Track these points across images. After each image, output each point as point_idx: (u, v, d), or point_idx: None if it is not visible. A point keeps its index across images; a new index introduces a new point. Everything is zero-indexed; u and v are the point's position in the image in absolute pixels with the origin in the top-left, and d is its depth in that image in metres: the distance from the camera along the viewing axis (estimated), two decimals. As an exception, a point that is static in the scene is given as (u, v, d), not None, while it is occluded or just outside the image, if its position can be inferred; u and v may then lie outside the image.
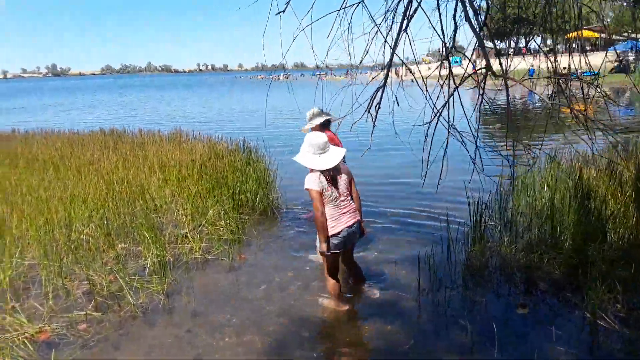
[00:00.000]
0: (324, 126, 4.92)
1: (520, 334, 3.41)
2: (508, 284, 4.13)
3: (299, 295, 4.21)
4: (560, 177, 5.45)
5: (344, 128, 3.56)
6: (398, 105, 3.26)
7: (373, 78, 3.43)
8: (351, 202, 3.84)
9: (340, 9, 2.83)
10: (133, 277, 4.34)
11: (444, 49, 2.91)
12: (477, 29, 2.67)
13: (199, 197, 6.06)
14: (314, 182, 3.61)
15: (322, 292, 4.11)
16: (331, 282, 3.91)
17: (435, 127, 2.92)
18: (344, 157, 3.80)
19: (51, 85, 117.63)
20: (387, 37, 3.00)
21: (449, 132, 2.86)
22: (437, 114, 2.84)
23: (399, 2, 2.76)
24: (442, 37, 2.85)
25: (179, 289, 4.30)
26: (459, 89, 2.90)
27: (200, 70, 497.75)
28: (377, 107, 3.09)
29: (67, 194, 6.06)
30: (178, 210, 5.99)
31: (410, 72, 3.08)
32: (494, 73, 2.58)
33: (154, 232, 4.96)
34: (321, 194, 3.61)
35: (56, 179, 6.95)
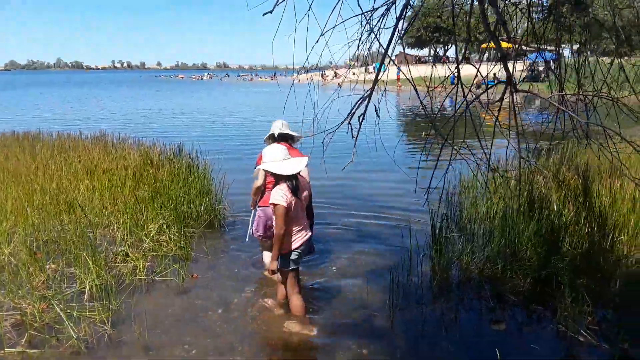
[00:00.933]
0: (283, 139, 4.69)
1: (501, 351, 3.36)
2: (478, 298, 4.09)
3: (261, 318, 3.88)
4: (507, 184, 5.55)
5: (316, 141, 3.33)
6: (378, 116, 3.11)
7: (298, 80, 3.29)
8: (305, 216, 3.69)
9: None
10: (70, 305, 3.78)
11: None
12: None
13: (137, 208, 5.51)
14: (281, 198, 3.37)
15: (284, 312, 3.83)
16: (294, 302, 3.67)
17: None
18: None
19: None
20: (369, 37, 2.82)
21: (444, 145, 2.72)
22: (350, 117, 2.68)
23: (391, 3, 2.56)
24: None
25: (125, 318, 3.79)
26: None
27: (115, 67, 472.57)
28: (360, 119, 2.88)
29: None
30: (113, 224, 5.40)
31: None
32: (516, 89, 2.47)
33: (89, 250, 4.40)
34: (288, 210, 3.38)
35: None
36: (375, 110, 3.04)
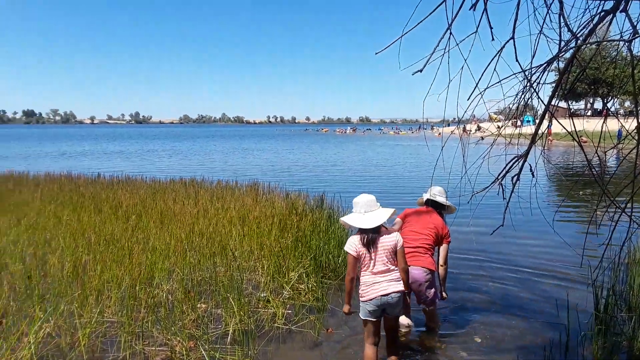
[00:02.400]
0: (433, 206, 4.64)
1: None
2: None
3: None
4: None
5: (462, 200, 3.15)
6: (534, 176, 2.83)
7: (439, 133, 3.12)
8: (392, 270, 3.55)
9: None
10: (214, 346, 3.99)
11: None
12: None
13: (280, 255, 5.74)
14: (350, 246, 3.56)
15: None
16: (365, 352, 3.64)
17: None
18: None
19: (134, 131, 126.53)
20: (530, 91, 2.61)
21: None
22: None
23: (555, 56, 2.35)
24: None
25: (262, 365, 3.88)
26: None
27: (270, 122, 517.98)
28: (514, 179, 2.64)
29: (149, 246, 5.95)
30: (258, 269, 5.68)
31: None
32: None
33: (236, 293, 4.65)
34: (357, 259, 3.54)
35: (138, 228, 6.92)
36: (531, 170, 2.78)
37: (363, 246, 3.51)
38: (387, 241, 3.55)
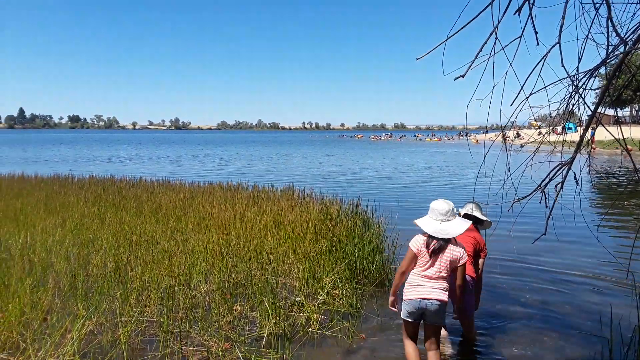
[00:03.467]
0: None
1: None
2: None
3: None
4: None
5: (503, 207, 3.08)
6: (578, 185, 2.73)
7: (477, 140, 3.07)
8: (442, 279, 3.54)
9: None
10: (249, 348, 4.03)
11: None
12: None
13: (315, 260, 5.75)
14: (414, 242, 3.63)
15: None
16: (407, 348, 3.70)
17: None
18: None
19: (176, 137, 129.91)
20: (572, 98, 2.53)
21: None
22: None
23: (600, 65, 2.28)
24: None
25: (296, 369, 3.90)
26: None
27: (305, 128, 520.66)
28: (559, 187, 2.57)
29: (188, 248, 6.08)
30: (292, 273, 5.72)
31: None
32: None
33: (271, 296, 4.69)
34: (415, 257, 3.60)
35: (177, 231, 7.09)
36: (575, 178, 2.69)
37: (425, 247, 3.56)
38: (452, 252, 3.56)
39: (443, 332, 4.38)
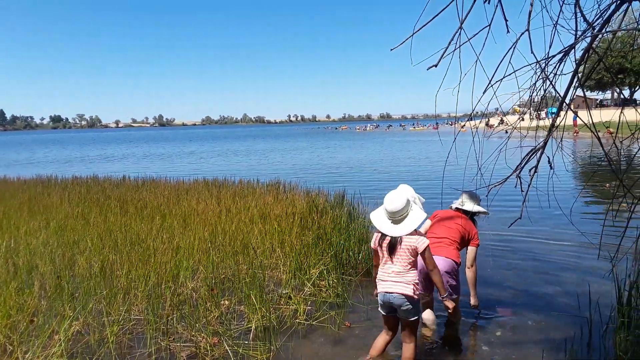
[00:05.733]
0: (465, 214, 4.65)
1: None
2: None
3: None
4: None
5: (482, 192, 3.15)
6: (552, 168, 2.80)
7: (463, 126, 3.13)
8: (404, 272, 3.53)
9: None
10: (237, 342, 4.07)
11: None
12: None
13: (301, 253, 5.79)
14: (373, 240, 3.73)
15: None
16: (377, 339, 3.86)
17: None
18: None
19: (159, 134, 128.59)
20: (543, 85, 2.59)
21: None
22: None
23: (571, 47, 2.33)
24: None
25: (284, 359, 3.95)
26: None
27: (291, 120, 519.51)
28: (532, 171, 2.63)
29: (174, 244, 6.08)
30: (279, 267, 5.75)
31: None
32: None
33: (258, 290, 4.72)
34: (375, 252, 3.73)
35: (163, 228, 7.07)
36: (549, 162, 2.76)
37: (378, 243, 3.65)
38: (408, 242, 3.53)
39: (431, 316, 4.44)
